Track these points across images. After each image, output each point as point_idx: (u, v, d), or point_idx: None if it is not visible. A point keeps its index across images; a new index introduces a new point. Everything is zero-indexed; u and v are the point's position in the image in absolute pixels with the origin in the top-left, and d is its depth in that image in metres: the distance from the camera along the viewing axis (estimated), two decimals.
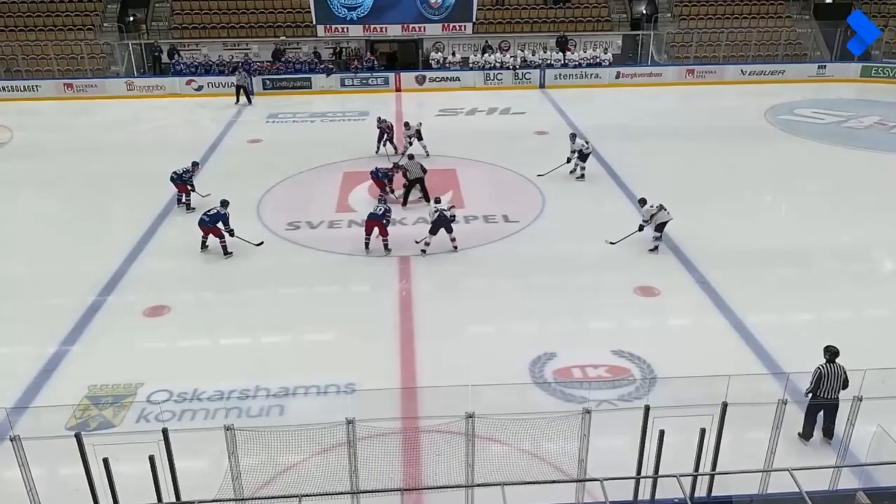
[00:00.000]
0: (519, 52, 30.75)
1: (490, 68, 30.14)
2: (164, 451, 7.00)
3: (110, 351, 11.47)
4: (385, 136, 21.03)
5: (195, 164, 17.78)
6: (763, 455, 7.92)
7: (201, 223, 14.61)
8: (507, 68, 30.10)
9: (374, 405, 9.36)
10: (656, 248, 14.67)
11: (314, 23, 29.91)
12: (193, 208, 16.72)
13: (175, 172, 16.99)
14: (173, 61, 30.18)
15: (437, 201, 14.84)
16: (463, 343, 11.72)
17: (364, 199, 17.54)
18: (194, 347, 11.91)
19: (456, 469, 7.54)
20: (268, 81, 29.40)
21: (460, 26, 30.44)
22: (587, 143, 18.97)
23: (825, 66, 30.82)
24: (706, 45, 31.47)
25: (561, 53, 30.62)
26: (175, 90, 29.36)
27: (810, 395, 8.89)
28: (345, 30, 30.11)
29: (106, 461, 6.83)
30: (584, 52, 30.78)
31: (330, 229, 16.11)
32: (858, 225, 15.98)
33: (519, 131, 23.82)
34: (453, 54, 30.70)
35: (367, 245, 14.78)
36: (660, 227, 14.61)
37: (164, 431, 7.03)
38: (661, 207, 14.55)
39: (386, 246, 14.71)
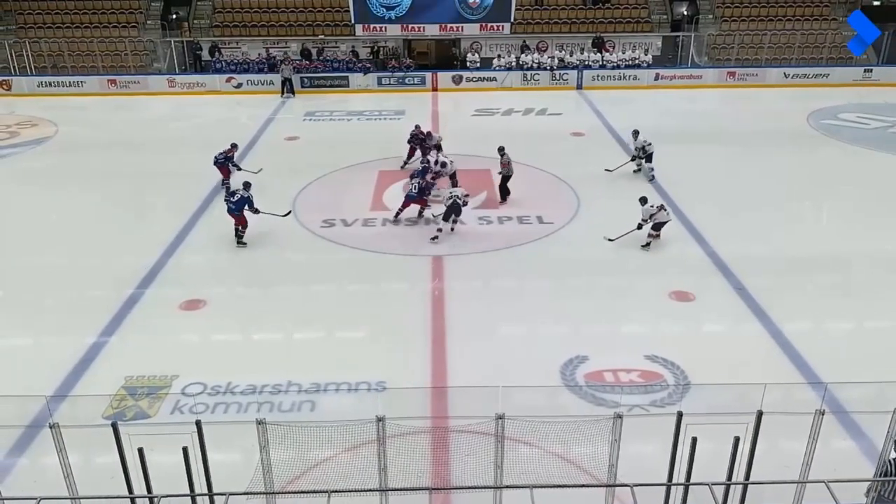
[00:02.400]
0: (557, 52, 30.60)
1: (528, 68, 30.03)
2: (198, 442, 7.08)
3: (146, 343, 11.67)
4: (417, 149, 19.59)
5: (234, 146, 18.31)
6: (798, 467, 7.76)
7: (229, 211, 14.85)
8: (545, 69, 29.96)
9: (405, 404, 9.38)
10: (648, 244, 14.68)
11: (353, 22, 30.12)
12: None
13: (215, 156, 17.79)
14: (214, 59, 30.64)
15: (455, 186, 15.52)
16: (494, 343, 11.69)
17: (399, 198, 17.58)
18: (228, 342, 12.05)
19: (485, 470, 7.51)
20: (306, 80, 29.68)
21: (498, 26, 30.40)
22: (648, 141, 18.71)
23: (871, 70, 30.11)
24: (748, 47, 30.98)
25: (599, 54, 30.40)
26: (215, 87, 29.81)
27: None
28: (383, 29, 30.29)
29: (141, 451, 6.94)
30: (623, 53, 30.50)
31: (364, 227, 16.19)
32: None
33: (555, 132, 23.69)
34: (499, 57, 30.56)
35: (397, 214, 16.11)
36: (657, 227, 14.64)
37: (198, 423, 7.12)
38: (661, 207, 14.62)
39: (421, 213, 16.07)
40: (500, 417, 7.24)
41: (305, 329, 12.26)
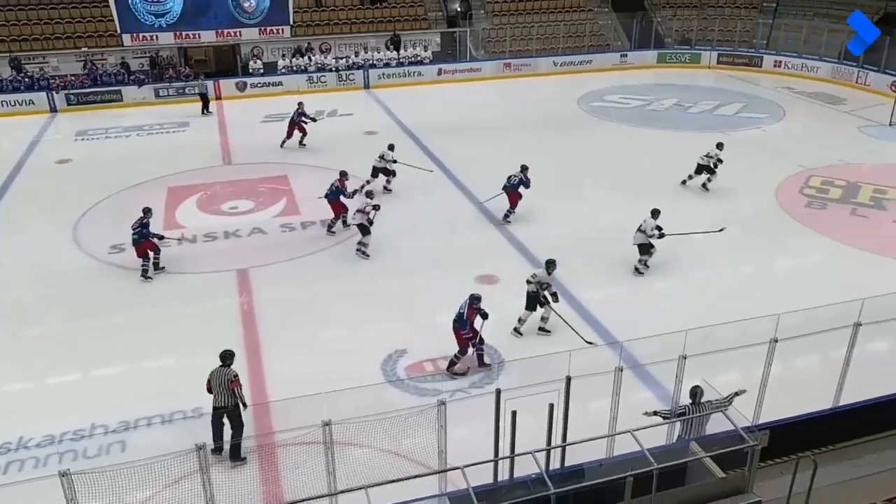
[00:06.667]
0: (351, 53, 30.56)
1: (313, 71, 29.72)
2: None
3: None
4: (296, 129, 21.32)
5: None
6: (607, 422, 8.44)
7: (135, 243, 13.68)
8: (331, 70, 29.85)
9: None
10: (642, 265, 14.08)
11: (118, 31, 28.09)
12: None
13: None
14: None
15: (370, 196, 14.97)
16: (312, 350, 11.54)
17: (192, 214, 16.75)
18: (15, 391, 10.83)
19: (317, 479, 7.41)
20: (72, 97, 27.22)
21: (278, 30, 29.83)
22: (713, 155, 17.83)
23: (626, 55, 33.22)
24: (519, 39, 32.90)
25: (395, 52, 30.91)
26: None
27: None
28: (154, 38, 28.54)
29: None
30: (405, 50, 31.19)
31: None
32: (678, 200, 17.34)
33: (348, 133, 23.70)
34: (283, 56, 29.87)
35: (332, 227, 15.57)
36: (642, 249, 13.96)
37: None
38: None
39: (345, 222, 15.39)
40: (327, 424, 7.18)
41: (107, 364, 11.34)
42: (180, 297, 13.45)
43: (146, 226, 13.84)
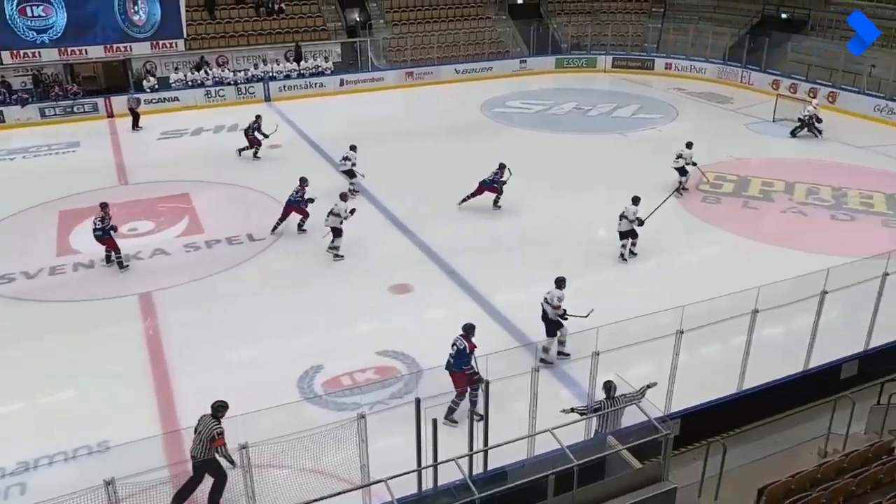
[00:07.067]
0: (248, 66, 29.87)
1: (211, 85, 28.91)
2: None
3: None
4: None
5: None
6: (527, 422, 8.55)
7: (99, 239, 14.18)
8: (229, 83, 29.13)
9: (136, 459, 8.54)
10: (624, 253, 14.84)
11: None
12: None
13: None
14: None
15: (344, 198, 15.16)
16: (225, 372, 11.18)
17: (88, 239, 15.93)
18: None
19: None
20: None
21: (171, 43, 28.88)
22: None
23: (526, 61, 33.93)
24: (420, 48, 33.09)
25: (296, 63, 30.44)
26: None
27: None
28: (36, 55, 27.08)
29: None
30: (306, 61, 30.81)
31: (52, 276, 14.46)
32: (582, 201, 17.82)
33: None
34: (176, 70, 28.90)
35: (276, 227, 15.84)
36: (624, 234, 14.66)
37: None
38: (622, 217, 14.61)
39: (301, 226, 15.89)
40: (244, 447, 6.98)
41: (1, 402, 10.63)
42: (80, 324, 12.77)
43: (108, 220, 14.40)
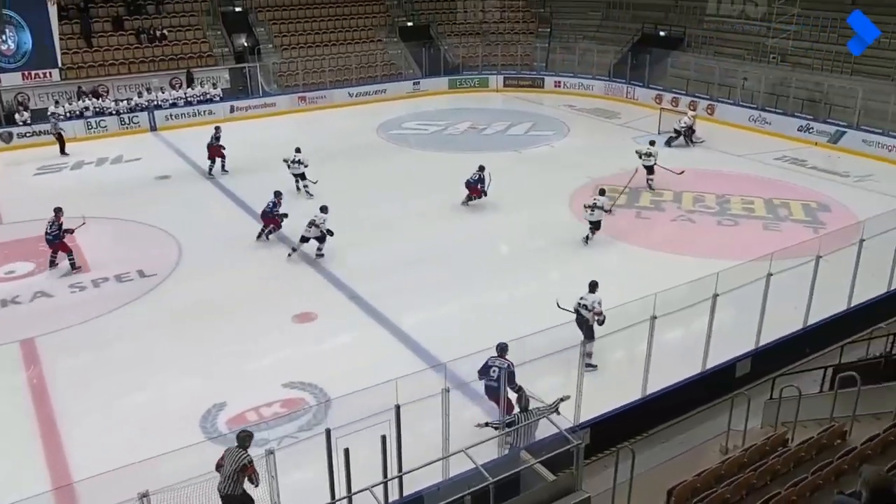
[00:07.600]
0: (131, 95, 28.64)
1: (91, 116, 27.51)
2: None
3: None
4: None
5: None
6: (440, 444, 8.47)
7: (50, 244, 14.87)
8: (111, 114, 27.86)
9: None
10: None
11: None
12: None
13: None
14: None
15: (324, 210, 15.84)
16: (119, 417, 10.57)
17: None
18: None
19: None
20: None
21: (46, 73, 27.40)
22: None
23: (419, 82, 34.20)
24: (311, 72, 32.77)
25: (183, 90, 29.45)
26: None
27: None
28: None
29: None
30: (193, 89, 29.90)
31: None
32: (485, 217, 18.02)
33: (138, 179, 22.15)
34: (56, 103, 27.24)
35: (260, 236, 16.73)
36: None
37: None
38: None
39: (269, 234, 16.82)
40: (144, 496, 6.58)
41: None
42: None
43: (60, 226, 15.12)
